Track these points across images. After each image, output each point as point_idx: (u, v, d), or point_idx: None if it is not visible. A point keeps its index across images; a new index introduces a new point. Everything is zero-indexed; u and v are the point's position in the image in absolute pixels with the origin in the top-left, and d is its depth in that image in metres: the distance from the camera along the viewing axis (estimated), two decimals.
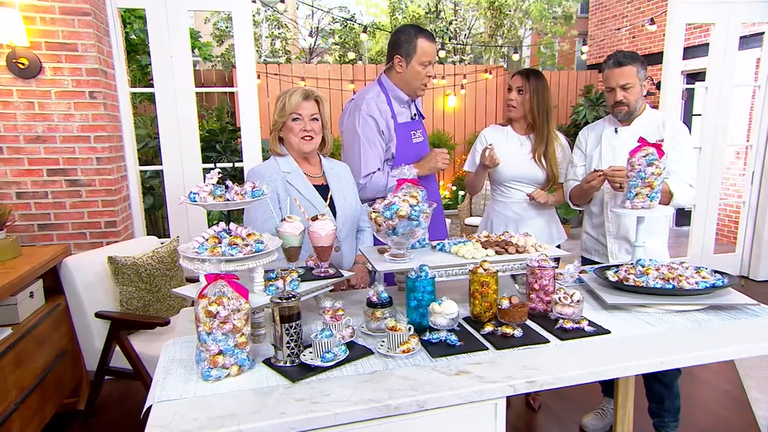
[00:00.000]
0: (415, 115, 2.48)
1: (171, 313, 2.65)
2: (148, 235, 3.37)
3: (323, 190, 1.97)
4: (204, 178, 1.45)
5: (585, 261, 2.45)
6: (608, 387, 2.55)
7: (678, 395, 2.34)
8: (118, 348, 2.42)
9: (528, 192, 2.47)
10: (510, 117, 2.51)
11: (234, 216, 1.59)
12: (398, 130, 2.35)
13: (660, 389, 2.31)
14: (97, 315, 2.41)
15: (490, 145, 2.39)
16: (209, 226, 1.60)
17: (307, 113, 1.90)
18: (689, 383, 2.89)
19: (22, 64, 2.74)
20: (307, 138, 1.91)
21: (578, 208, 2.45)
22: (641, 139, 1.93)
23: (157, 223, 5.44)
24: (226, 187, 1.45)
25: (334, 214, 1.96)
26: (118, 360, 2.45)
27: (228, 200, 1.42)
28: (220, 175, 1.46)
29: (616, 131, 2.29)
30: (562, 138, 2.55)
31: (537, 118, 2.42)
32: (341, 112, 2.46)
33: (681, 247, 5.31)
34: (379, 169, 2.31)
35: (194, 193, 1.41)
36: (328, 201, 1.87)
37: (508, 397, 1.24)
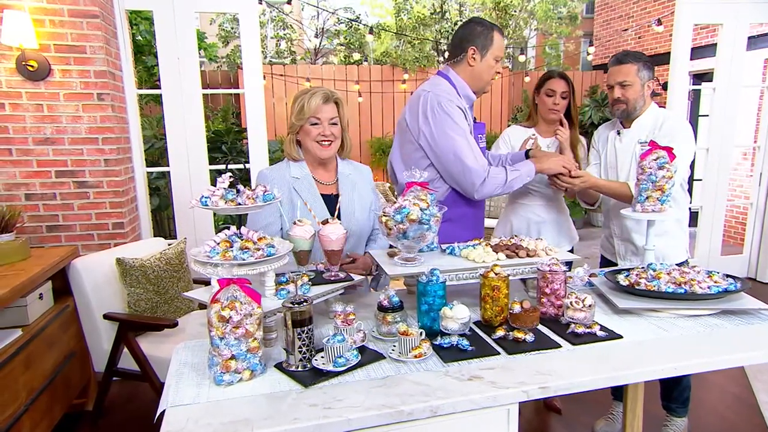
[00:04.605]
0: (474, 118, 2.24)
1: (178, 315, 2.66)
2: (154, 236, 3.38)
3: (332, 199, 1.93)
4: (212, 180, 1.45)
5: (603, 259, 2.52)
6: (618, 390, 2.54)
7: (687, 387, 2.37)
8: (126, 349, 2.42)
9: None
10: (548, 120, 2.50)
11: (244, 219, 1.59)
12: (474, 131, 2.16)
13: (668, 380, 2.32)
14: (106, 316, 2.42)
15: (533, 135, 2.39)
16: (215, 228, 1.60)
17: (326, 117, 1.83)
18: (697, 386, 2.88)
19: (32, 66, 2.75)
20: (326, 144, 1.86)
21: (588, 206, 2.48)
22: (652, 143, 1.91)
23: (163, 223, 5.44)
24: (238, 191, 1.44)
25: None
26: (126, 361, 2.46)
27: (239, 204, 1.42)
28: (232, 179, 1.45)
29: (618, 133, 2.31)
30: (582, 139, 2.59)
31: (576, 121, 2.50)
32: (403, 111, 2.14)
33: (688, 248, 5.27)
34: (489, 163, 2.14)
35: (206, 197, 1.41)
36: (336, 213, 1.85)
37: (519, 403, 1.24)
